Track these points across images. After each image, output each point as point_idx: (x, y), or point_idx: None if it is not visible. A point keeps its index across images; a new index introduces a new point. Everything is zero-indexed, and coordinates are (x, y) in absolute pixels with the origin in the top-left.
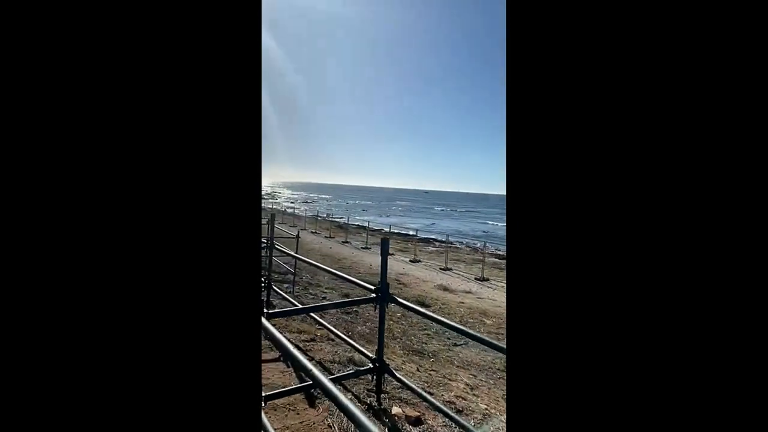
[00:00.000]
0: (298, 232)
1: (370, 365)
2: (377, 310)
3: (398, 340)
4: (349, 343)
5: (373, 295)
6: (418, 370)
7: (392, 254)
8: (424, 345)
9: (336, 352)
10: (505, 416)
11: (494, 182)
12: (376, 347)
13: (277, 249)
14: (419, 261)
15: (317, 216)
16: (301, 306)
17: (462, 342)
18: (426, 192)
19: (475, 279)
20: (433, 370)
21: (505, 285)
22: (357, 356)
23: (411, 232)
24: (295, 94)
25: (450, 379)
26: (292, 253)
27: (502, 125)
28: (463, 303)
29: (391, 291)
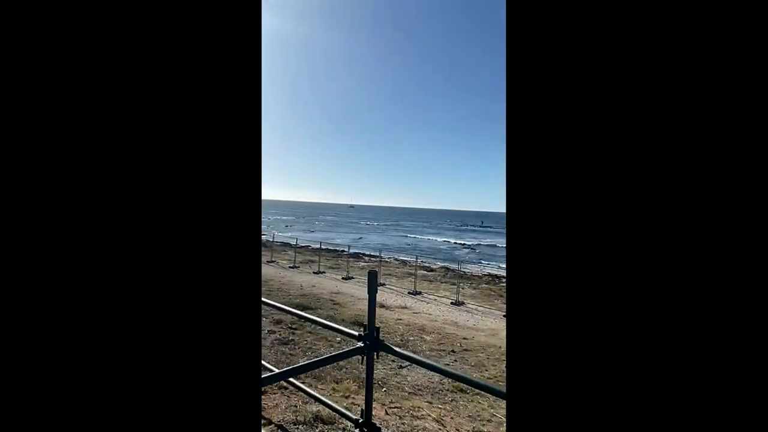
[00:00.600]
0: None
1: None
2: (363, 362)
3: (343, 369)
4: (320, 400)
5: (360, 344)
6: (385, 411)
7: (323, 272)
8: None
9: (296, 407)
10: None
11: (421, 195)
12: (354, 400)
13: None
14: (352, 278)
15: None
16: (275, 371)
17: (406, 365)
18: (352, 206)
19: (408, 293)
20: (395, 405)
21: (437, 299)
22: (326, 412)
23: (340, 248)
24: None
25: (417, 416)
26: None
27: (433, 134)
28: (400, 320)
29: (328, 312)
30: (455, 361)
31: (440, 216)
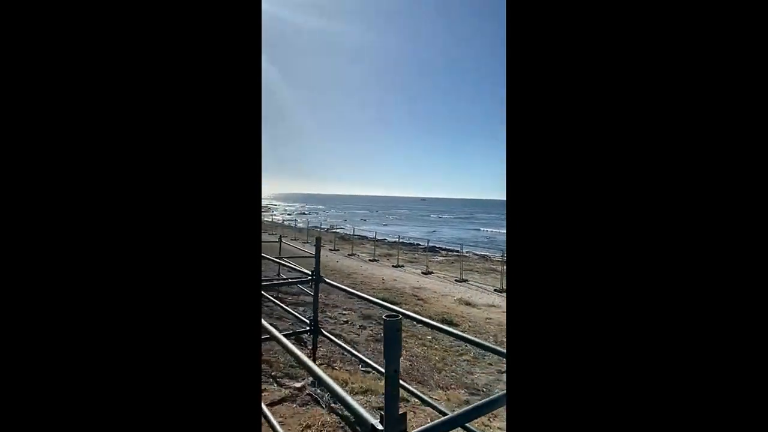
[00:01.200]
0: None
1: None
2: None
3: (443, 372)
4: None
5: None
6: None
7: (402, 266)
8: (472, 377)
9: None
10: None
11: (489, 187)
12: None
13: (297, 270)
14: (431, 273)
15: (317, 228)
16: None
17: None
18: (423, 199)
19: (494, 290)
20: None
21: None
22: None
23: (416, 242)
24: (284, 106)
25: None
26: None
27: (497, 130)
28: (490, 319)
29: (411, 308)
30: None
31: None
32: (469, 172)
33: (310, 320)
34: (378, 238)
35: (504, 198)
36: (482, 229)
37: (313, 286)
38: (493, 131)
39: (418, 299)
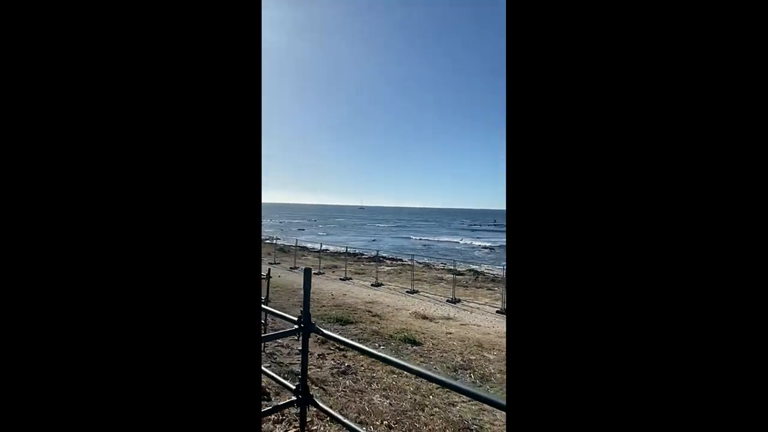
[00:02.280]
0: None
1: None
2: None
3: (427, 409)
4: None
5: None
6: None
7: (350, 278)
8: (457, 411)
9: None
10: None
11: (430, 195)
12: None
13: None
14: (381, 284)
15: None
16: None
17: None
18: (362, 208)
19: (447, 301)
20: None
21: (479, 306)
22: None
23: (360, 252)
24: None
25: None
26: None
27: (440, 131)
28: (450, 333)
29: (369, 327)
30: None
31: (451, 215)
32: (408, 181)
33: (296, 386)
34: (319, 248)
35: (440, 206)
36: (421, 237)
37: (300, 338)
38: (433, 137)
39: (374, 315)
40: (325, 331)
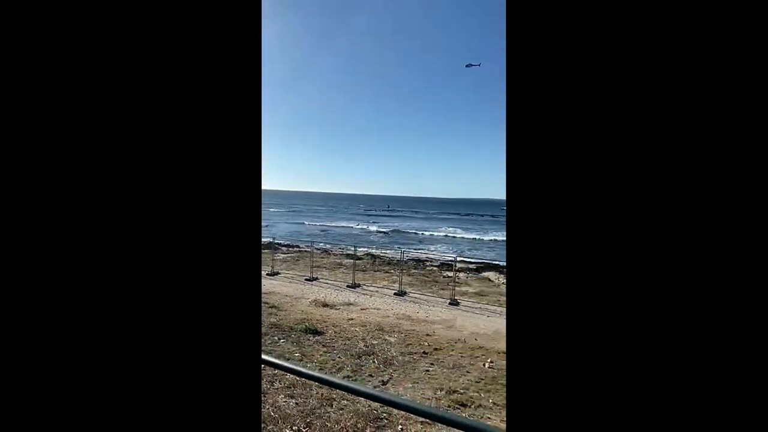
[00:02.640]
0: None
1: None
2: None
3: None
4: None
5: None
6: None
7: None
8: None
9: None
10: None
11: (326, 179)
12: None
13: None
14: (278, 273)
15: None
16: None
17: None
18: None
19: (347, 286)
20: None
21: (378, 290)
22: None
23: None
24: None
25: None
26: None
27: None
28: (352, 319)
29: (267, 318)
30: (432, 365)
31: (348, 200)
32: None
33: None
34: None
35: (337, 191)
36: (317, 222)
37: None
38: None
39: (271, 306)
40: (279, 362)
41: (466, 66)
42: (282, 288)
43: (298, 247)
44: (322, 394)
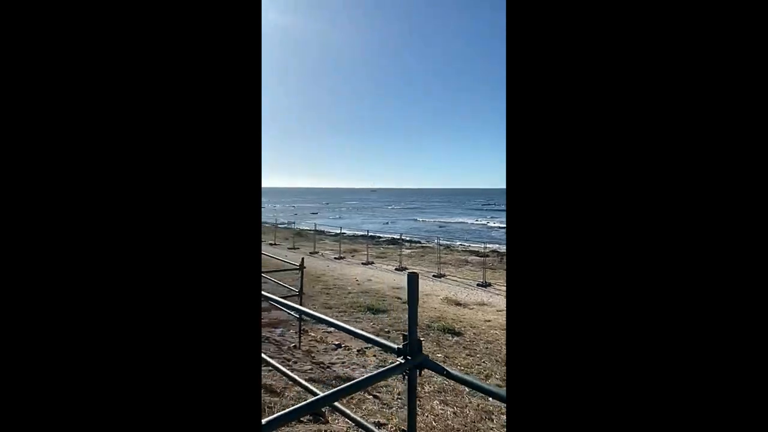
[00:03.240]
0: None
1: None
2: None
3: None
4: None
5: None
6: None
7: (372, 263)
8: None
9: None
10: None
11: (441, 175)
12: None
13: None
14: (405, 268)
15: (271, 224)
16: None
17: None
18: (373, 190)
19: (478, 285)
20: None
21: None
22: None
23: (377, 235)
24: None
25: None
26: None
27: (445, 118)
28: (489, 321)
29: (403, 314)
30: None
31: (463, 195)
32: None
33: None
34: (336, 232)
35: (451, 186)
36: (436, 219)
37: (405, 377)
38: (441, 118)
39: (404, 302)
40: (450, 370)
41: None
42: None
43: (420, 243)
44: (478, 405)
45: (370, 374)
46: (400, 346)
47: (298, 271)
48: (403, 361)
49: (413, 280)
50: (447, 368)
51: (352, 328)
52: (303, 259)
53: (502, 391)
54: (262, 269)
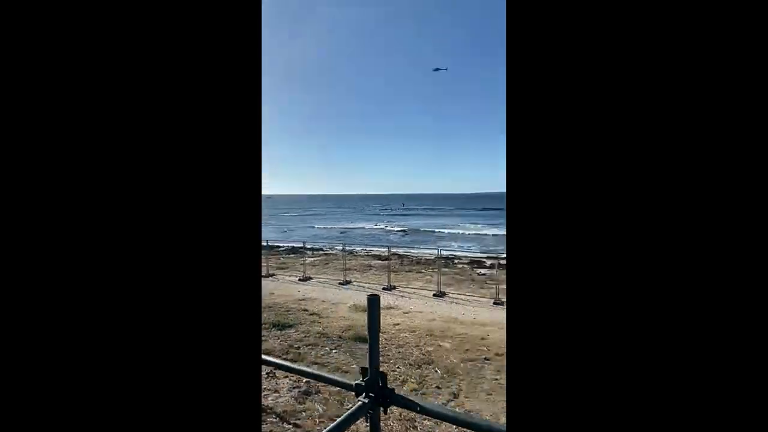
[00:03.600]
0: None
1: None
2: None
3: None
4: None
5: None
6: None
7: (273, 275)
8: None
9: None
10: None
11: (342, 180)
12: None
13: None
14: (310, 278)
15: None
16: None
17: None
18: (269, 197)
19: (383, 289)
20: None
21: (415, 291)
22: None
23: (278, 244)
24: None
25: None
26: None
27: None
28: (398, 324)
29: (312, 327)
30: (499, 372)
31: (361, 201)
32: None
33: None
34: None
35: (352, 192)
36: (336, 225)
37: (368, 417)
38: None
39: (311, 314)
40: (424, 404)
41: (434, 70)
42: (317, 294)
43: (322, 250)
44: None
45: (327, 429)
46: (359, 382)
47: None
48: (365, 401)
49: (374, 303)
50: (419, 402)
51: (287, 364)
52: None
53: (500, 427)
54: None
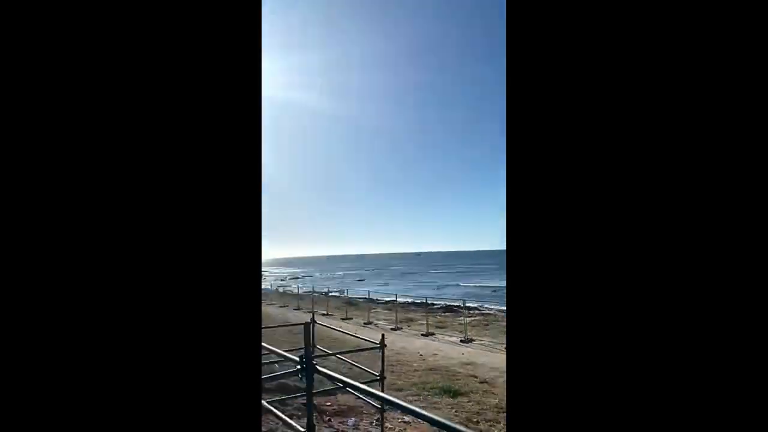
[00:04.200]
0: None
1: None
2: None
3: None
4: None
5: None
6: None
7: (432, 333)
8: None
9: None
10: None
11: (487, 236)
12: None
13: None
14: (472, 340)
15: (319, 293)
16: None
17: None
18: (418, 254)
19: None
20: None
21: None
22: None
23: (430, 301)
24: (269, 179)
25: None
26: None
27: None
28: None
29: (484, 398)
30: None
31: (500, 256)
32: (462, 225)
33: None
34: (385, 299)
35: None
36: (487, 284)
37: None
38: (487, 180)
39: (481, 382)
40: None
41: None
42: (482, 358)
43: (478, 309)
44: None
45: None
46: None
47: (378, 350)
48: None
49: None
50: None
51: (459, 427)
52: (383, 336)
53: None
54: (338, 348)
